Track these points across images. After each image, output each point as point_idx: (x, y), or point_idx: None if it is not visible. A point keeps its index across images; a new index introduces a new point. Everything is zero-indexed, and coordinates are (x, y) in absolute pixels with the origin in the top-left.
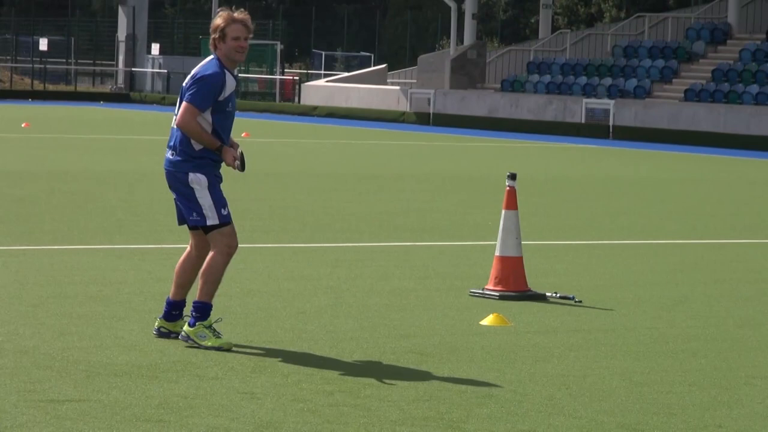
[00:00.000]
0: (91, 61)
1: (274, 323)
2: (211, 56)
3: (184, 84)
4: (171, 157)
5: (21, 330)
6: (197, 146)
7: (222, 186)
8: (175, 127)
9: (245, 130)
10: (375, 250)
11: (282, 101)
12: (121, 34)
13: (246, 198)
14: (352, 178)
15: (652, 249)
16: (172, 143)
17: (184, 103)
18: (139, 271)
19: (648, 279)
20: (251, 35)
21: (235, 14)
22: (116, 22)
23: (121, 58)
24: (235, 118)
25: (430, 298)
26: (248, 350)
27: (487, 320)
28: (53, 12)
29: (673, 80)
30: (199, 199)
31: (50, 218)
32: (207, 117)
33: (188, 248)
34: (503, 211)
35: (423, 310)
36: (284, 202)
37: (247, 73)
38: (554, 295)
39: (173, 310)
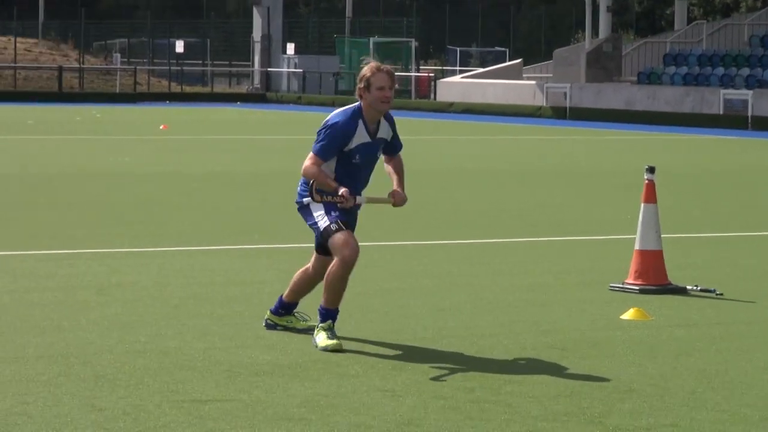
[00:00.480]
0: (227, 62)
1: (413, 320)
2: (356, 103)
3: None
4: (299, 190)
5: (163, 331)
6: None
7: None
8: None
9: None
10: (513, 245)
11: (418, 98)
12: (256, 34)
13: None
14: (489, 173)
15: None
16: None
17: (310, 153)
18: (277, 271)
19: None
20: (396, 86)
21: (380, 64)
22: (251, 22)
23: (256, 58)
24: None
25: (569, 293)
26: (388, 348)
27: (628, 314)
28: (188, 14)
29: None
30: (313, 212)
31: (189, 219)
32: (330, 164)
33: (309, 264)
34: (642, 205)
35: (562, 305)
36: (422, 198)
37: None
38: (695, 288)
39: (280, 308)
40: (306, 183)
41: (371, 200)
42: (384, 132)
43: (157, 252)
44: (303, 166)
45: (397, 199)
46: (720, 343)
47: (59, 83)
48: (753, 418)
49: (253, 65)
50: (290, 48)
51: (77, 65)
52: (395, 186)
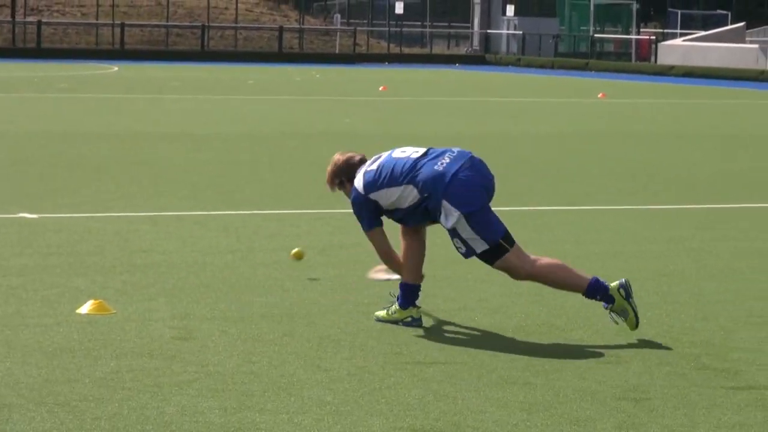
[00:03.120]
0: (447, 24)
1: (638, 285)
2: None
3: None
4: None
5: (385, 293)
6: None
7: None
8: None
9: (601, 90)
10: (739, 211)
11: (638, 61)
12: None
13: (605, 158)
14: (713, 138)
15: None
16: None
17: None
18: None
19: None
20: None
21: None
22: None
23: (476, 20)
24: (593, 78)
25: None
26: None
27: None
28: None
29: None
30: None
31: None
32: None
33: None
34: None
35: None
36: (644, 162)
37: (603, 33)
38: None
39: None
40: None
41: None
42: None
43: None
44: None
45: None
46: None
47: (279, 44)
48: None
49: (472, 27)
50: (510, 10)
51: (297, 26)
52: None
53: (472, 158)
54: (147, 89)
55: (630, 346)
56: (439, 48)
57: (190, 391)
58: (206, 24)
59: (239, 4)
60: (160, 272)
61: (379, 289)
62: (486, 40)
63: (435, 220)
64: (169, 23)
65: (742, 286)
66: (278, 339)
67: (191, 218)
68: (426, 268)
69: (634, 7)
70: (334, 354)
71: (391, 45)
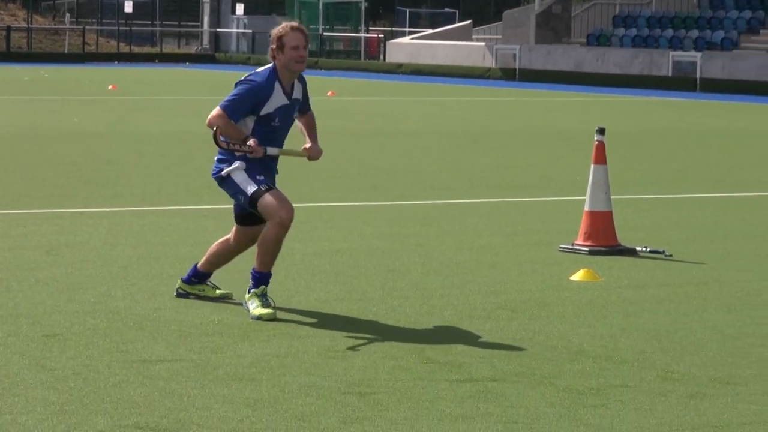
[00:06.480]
0: (176, 23)
1: (363, 281)
2: (269, 65)
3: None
4: (215, 162)
5: (112, 291)
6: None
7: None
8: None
9: (331, 88)
10: (463, 206)
11: (367, 59)
12: None
13: (335, 156)
14: (438, 135)
15: (743, 201)
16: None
17: (217, 107)
18: (227, 232)
19: (739, 231)
20: (308, 44)
21: (293, 23)
22: None
23: (206, 18)
24: (323, 77)
25: (520, 254)
26: (339, 308)
27: (577, 275)
28: None
29: (761, 31)
30: (235, 180)
31: (139, 180)
32: (248, 124)
33: (230, 234)
34: (592, 166)
35: (512, 266)
36: (372, 160)
37: (332, 31)
38: (644, 249)
39: (194, 277)
40: (222, 154)
41: (285, 153)
42: (298, 93)
43: (107, 212)
44: (208, 121)
45: (313, 153)
46: (669, 304)
47: (7, 43)
48: (702, 378)
49: (202, 26)
50: (239, 8)
51: (25, 25)
52: (308, 140)
53: None
54: None
55: (356, 340)
56: (170, 47)
57: None
58: None
59: None
60: None
61: (107, 288)
62: (216, 38)
63: None
64: None
65: (465, 280)
66: (2, 339)
67: None
68: (153, 268)
69: (363, 5)
70: (59, 353)
71: (121, 44)
